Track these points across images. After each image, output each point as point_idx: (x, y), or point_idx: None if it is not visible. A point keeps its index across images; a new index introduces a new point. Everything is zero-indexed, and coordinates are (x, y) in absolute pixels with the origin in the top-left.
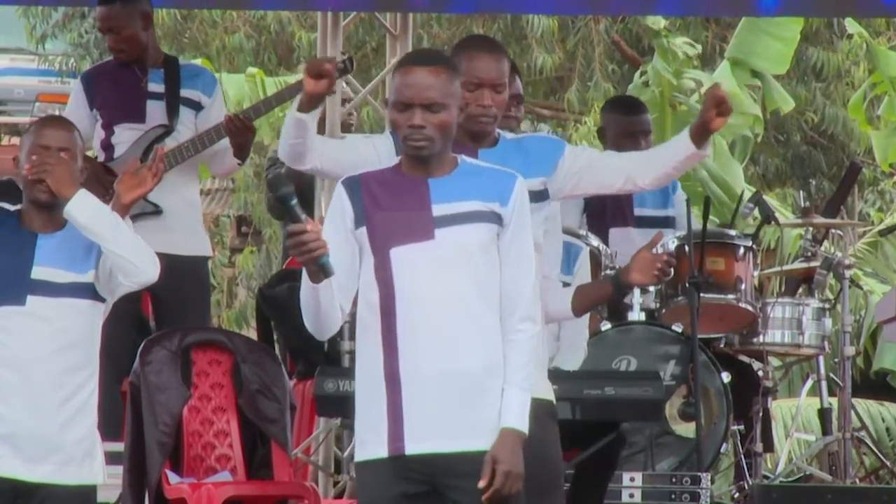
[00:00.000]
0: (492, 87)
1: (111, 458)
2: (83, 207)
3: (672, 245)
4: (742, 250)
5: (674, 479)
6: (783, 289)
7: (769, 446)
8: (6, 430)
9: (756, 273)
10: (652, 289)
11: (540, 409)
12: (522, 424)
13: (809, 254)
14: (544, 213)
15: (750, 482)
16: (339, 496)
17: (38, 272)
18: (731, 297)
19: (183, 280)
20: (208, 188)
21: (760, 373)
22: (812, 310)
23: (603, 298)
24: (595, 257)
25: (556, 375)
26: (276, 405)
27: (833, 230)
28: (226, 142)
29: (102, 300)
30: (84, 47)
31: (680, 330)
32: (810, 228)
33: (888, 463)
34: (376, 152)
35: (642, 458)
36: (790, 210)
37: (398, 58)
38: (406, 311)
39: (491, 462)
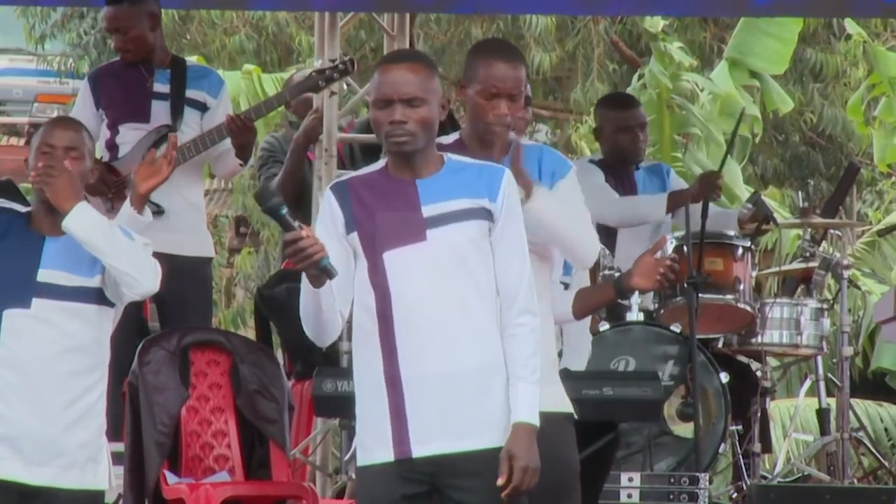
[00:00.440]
0: (509, 97)
1: (112, 459)
2: (81, 221)
3: (670, 245)
4: (740, 250)
5: (672, 480)
6: (780, 289)
7: (767, 446)
8: (8, 433)
9: (754, 273)
10: None
11: (562, 420)
12: (534, 418)
13: (808, 254)
14: None
15: (748, 482)
16: (339, 495)
17: (44, 275)
18: (729, 297)
19: (185, 281)
20: (206, 189)
21: (759, 373)
22: (810, 310)
23: (604, 302)
24: None
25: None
26: (275, 405)
27: (831, 230)
28: (229, 142)
29: (111, 305)
30: (83, 47)
31: (678, 330)
32: (809, 229)
33: (886, 463)
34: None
35: (641, 458)
36: (788, 210)
37: None
38: (403, 313)
39: (507, 458)
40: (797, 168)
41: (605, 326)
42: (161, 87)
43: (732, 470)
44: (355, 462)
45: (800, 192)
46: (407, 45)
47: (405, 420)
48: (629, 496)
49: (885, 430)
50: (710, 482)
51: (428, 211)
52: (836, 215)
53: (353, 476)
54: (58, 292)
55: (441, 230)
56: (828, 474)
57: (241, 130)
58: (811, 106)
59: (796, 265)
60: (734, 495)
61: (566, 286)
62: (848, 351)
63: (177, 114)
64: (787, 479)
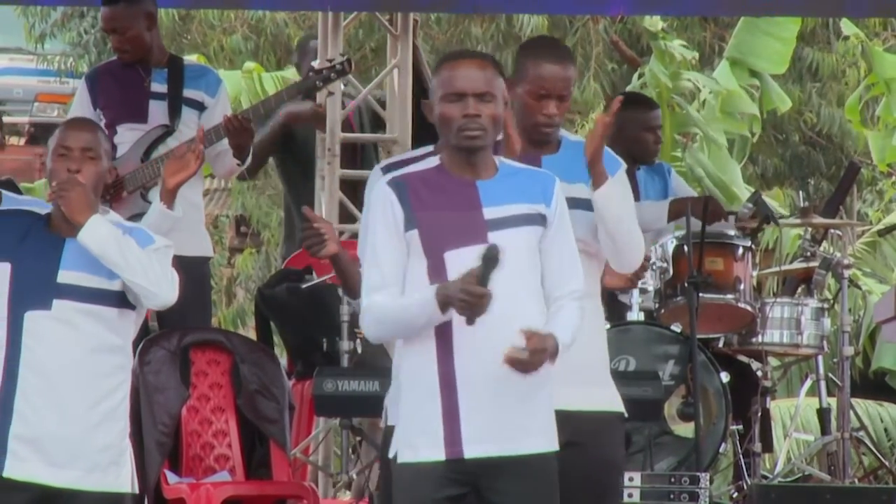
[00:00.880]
0: (558, 97)
1: None
2: (95, 234)
3: (671, 245)
4: (741, 250)
5: (672, 479)
6: (781, 288)
7: (768, 446)
8: (31, 434)
9: (755, 273)
10: (651, 289)
11: (612, 420)
12: (567, 339)
13: (808, 254)
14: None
15: (749, 482)
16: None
17: (65, 276)
18: (729, 297)
19: (184, 280)
20: (206, 188)
21: (759, 373)
22: (811, 310)
23: None
24: None
25: None
26: (275, 405)
27: (832, 230)
28: (226, 142)
29: (132, 308)
30: (83, 47)
31: (679, 330)
32: (809, 228)
33: (887, 463)
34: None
35: (641, 457)
36: (789, 210)
37: (398, 58)
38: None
39: (537, 338)
40: (797, 168)
41: (605, 326)
42: (158, 86)
43: (733, 469)
44: (395, 459)
45: (800, 192)
46: (410, 46)
47: (458, 421)
48: (630, 496)
49: (886, 429)
50: (711, 482)
51: (489, 213)
52: (836, 215)
53: (355, 475)
54: (79, 294)
55: (501, 234)
56: (828, 474)
57: (238, 131)
58: (809, 105)
59: (797, 265)
60: (735, 495)
61: None
62: (848, 351)
63: (174, 113)
64: (788, 479)
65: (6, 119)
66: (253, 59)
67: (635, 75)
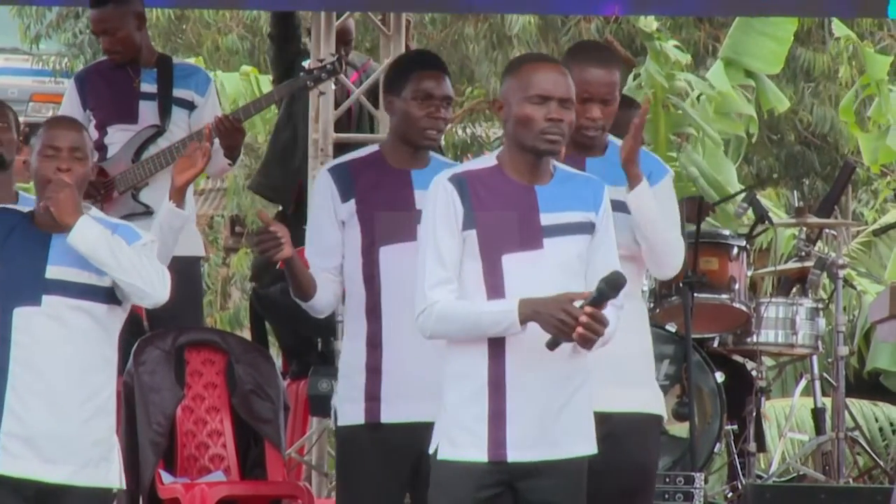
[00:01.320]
0: (602, 101)
1: None
2: (84, 236)
3: None
4: (736, 250)
5: (667, 479)
6: (776, 288)
7: (763, 446)
8: (25, 432)
9: (749, 273)
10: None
11: (649, 422)
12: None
13: (803, 253)
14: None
15: (743, 482)
16: None
17: (53, 272)
18: (724, 296)
19: (176, 280)
20: (202, 189)
21: (754, 372)
22: (806, 310)
23: None
24: None
25: None
26: (270, 405)
27: (827, 230)
28: (216, 142)
29: (120, 303)
30: (78, 47)
31: (674, 330)
32: (804, 228)
33: (881, 463)
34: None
35: None
36: (784, 210)
37: (392, 58)
38: None
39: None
40: (792, 167)
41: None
42: (148, 87)
43: (728, 469)
44: (434, 454)
45: (795, 192)
46: (403, 45)
47: (504, 423)
48: None
49: (881, 429)
50: (706, 482)
51: (546, 220)
52: (831, 214)
53: None
54: (68, 289)
55: (557, 240)
56: (823, 474)
57: (228, 132)
58: (803, 105)
59: (792, 265)
60: (730, 495)
61: None
62: (843, 350)
63: (165, 113)
64: (783, 479)
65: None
66: (248, 58)
67: (630, 76)
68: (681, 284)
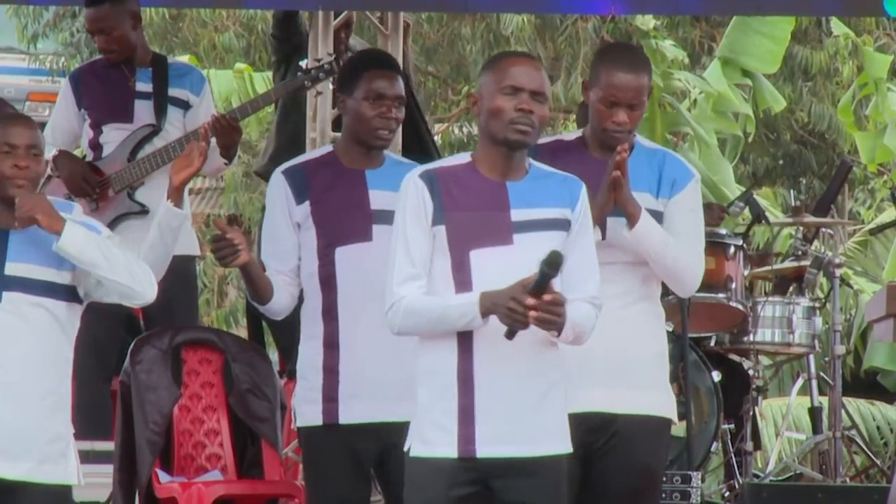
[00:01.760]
0: (628, 106)
1: (101, 458)
2: (73, 241)
3: None
4: (732, 249)
5: (665, 478)
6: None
7: (759, 445)
8: None
9: (747, 272)
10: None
11: (657, 425)
12: (575, 319)
13: (800, 253)
14: None
15: (740, 481)
16: None
17: (12, 268)
18: (721, 296)
19: (170, 279)
20: (199, 187)
21: (751, 372)
22: (802, 309)
23: None
24: None
25: None
26: (267, 404)
27: (823, 229)
28: (213, 141)
29: (80, 302)
30: (75, 46)
31: (670, 329)
32: (800, 228)
33: (878, 462)
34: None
35: None
36: (780, 209)
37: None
38: None
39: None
40: (789, 167)
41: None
42: (143, 86)
43: (724, 468)
44: (408, 452)
45: (792, 191)
46: (401, 45)
47: (473, 420)
48: None
49: (877, 428)
50: (703, 481)
51: (516, 215)
52: (828, 213)
53: None
54: (28, 286)
55: (526, 236)
56: (820, 473)
57: (225, 130)
58: (800, 104)
59: (788, 264)
60: (726, 494)
61: None
62: (840, 349)
63: (160, 113)
64: (780, 478)
65: None
66: (245, 57)
67: None
68: None
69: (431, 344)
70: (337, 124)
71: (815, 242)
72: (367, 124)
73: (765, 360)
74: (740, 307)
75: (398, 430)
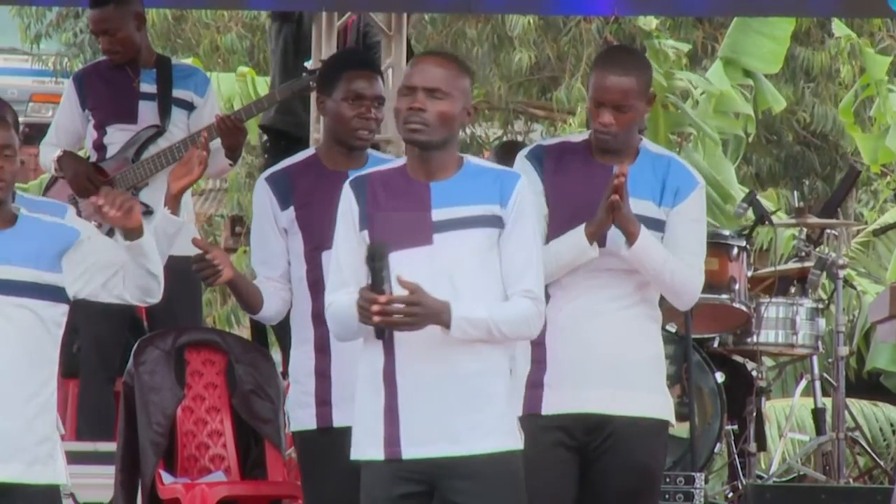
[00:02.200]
0: (614, 107)
1: (105, 458)
2: (148, 237)
3: None
4: (735, 250)
5: (668, 479)
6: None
7: (763, 446)
8: None
9: (750, 273)
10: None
11: (653, 426)
12: (460, 318)
13: (803, 254)
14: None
15: (744, 482)
16: None
17: None
18: (724, 297)
19: (174, 280)
20: (202, 188)
21: (754, 373)
22: (806, 310)
23: None
24: None
25: None
26: (270, 405)
27: (829, 231)
28: (218, 142)
29: (65, 301)
30: (78, 47)
31: (674, 330)
32: (804, 229)
33: (882, 463)
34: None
35: None
36: (784, 211)
37: (392, 58)
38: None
39: (417, 292)
40: (792, 168)
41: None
42: (147, 87)
43: (728, 469)
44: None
45: (795, 192)
46: (404, 46)
47: (397, 420)
48: None
49: (881, 429)
50: (706, 482)
51: (437, 215)
52: (833, 218)
53: None
54: (12, 287)
55: (448, 235)
56: (823, 474)
57: (230, 131)
58: (802, 105)
59: (792, 265)
60: (730, 495)
61: None
62: (843, 351)
63: (164, 114)
64: (783, 479)
65: None
66: (248, 58)
67: None
68: None
69: (364, 346)
70: None
71: (822, 245)
72: (346, 125)
73: (768, 362)
74: (744, 308)
75: None
